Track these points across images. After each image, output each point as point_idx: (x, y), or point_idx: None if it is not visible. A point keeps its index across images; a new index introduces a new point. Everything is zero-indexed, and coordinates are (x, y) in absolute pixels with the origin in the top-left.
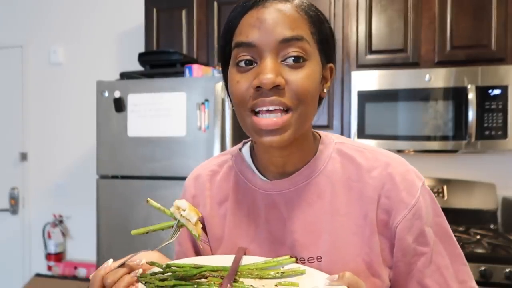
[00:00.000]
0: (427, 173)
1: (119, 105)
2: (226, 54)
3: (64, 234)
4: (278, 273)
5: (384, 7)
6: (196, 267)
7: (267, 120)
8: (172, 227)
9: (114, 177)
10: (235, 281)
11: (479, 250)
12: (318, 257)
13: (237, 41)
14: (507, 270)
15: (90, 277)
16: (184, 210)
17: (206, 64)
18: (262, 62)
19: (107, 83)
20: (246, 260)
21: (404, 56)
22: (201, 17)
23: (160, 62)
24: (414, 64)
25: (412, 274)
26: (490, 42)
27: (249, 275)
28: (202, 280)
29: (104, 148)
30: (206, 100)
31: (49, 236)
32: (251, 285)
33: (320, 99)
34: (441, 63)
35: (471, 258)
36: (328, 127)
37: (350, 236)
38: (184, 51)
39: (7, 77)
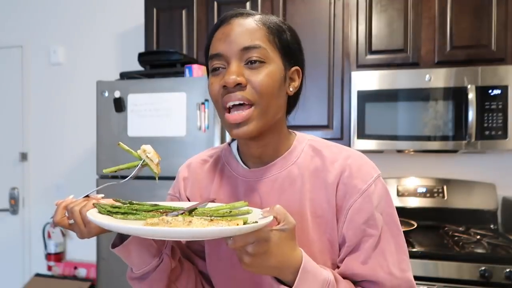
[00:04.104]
0: (427, 173)
1: (119, 105)
2: (208, 67)
3: (64, 234)
4: (226, 212)
5: (384, 7)
6: (154, 205)
7: (234, 115)
8: (137, 166)
9: (114, 177)
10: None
11: (479, 250)
12: None
13: (210, 54)
14: (507, 270)
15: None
16: (149, 153)
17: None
18: (228, 66)
19: (107, 83)
20: (210, 206)
21: (404, 56)
22: (201, 17)
23: (160, 62)
24: (414, 64)
25: (359, 254)
26: (490, 42)
27: (203, 215)
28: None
29: (104, 148)
30: (206, 100)
31: (49, 236)
32: (182, 208)
33: (291, 98)
34: (441, 63)
35: (471, 258)
36: (328, 127)
37: (315, 218)
38: (184, 51)
39: (7, 77)
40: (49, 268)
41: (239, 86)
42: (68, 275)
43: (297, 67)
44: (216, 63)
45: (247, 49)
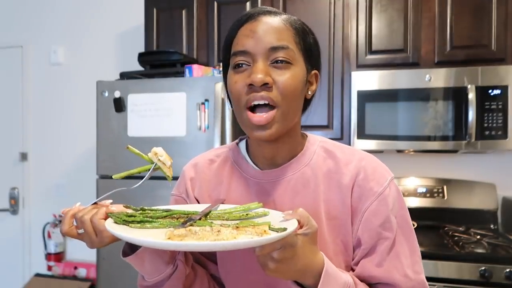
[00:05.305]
0: (427, 173)
1: (119, 105)
2: (226, 62)
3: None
4: (243, 214)
5: (384, 7)
6: (167, 210)
7: (258, 116)
8: (149, 170)
9: None
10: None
11: (479, 250)
12: None
13: (235, 50)
14: (507, 270)
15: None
16: (161, 156)
17: (206, 64)
18: (254, 64)
19: (107, 83)
20: (222, 207)
21: (404, 56)
22: (201, 17)
23: (160, 62)
24: (414, 64)
25: (374, 257)
26: (490, 42)
27: (218, 218)
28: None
29: (104, 148)
30: (206, 100)
31: (49, 236)
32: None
33: (306, 101)
34: (441, 63)
35: (471, 258)
36: (328, 127)
37: (329, 220)
38: (184, 51)
39: (7, 77)
40: (49, 268)
41: (265, 85)
42: (68, 275)
43: (316, 71)
44: (240, 60)
45: (275, 49)
